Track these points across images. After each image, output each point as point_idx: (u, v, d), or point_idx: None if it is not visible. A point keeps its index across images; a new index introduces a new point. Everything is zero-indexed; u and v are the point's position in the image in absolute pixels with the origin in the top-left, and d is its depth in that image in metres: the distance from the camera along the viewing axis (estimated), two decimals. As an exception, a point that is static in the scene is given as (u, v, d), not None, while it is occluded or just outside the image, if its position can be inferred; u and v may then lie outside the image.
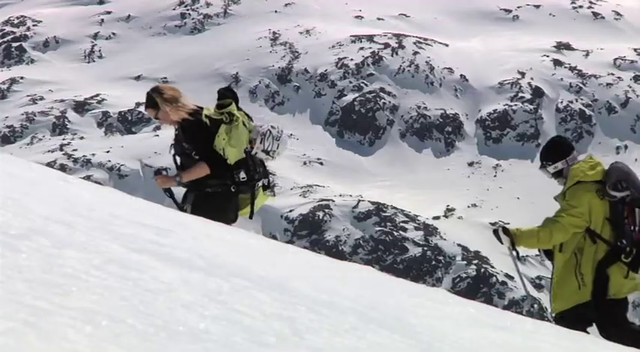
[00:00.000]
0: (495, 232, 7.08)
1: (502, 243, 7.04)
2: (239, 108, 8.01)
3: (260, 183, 8.00)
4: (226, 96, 7.92)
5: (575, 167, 7.01)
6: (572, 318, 6.86)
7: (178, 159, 7.97)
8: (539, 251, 7.41)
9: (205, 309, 2.72)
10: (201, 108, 7.90)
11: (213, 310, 2.74)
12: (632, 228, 6.86)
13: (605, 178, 6.90)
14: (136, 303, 2.55)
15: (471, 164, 59.08)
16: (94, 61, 69.57)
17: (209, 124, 7.72)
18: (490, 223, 49.27)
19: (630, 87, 59.27)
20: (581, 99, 58.63)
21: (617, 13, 66.60)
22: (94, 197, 4.85)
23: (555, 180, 7.26)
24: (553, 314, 7.12)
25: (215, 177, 7.75)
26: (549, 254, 7.25)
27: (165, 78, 59.59)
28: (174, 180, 7.83)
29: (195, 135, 7.78)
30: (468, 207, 54.25)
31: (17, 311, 2.15)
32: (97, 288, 2.59)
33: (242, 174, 7.80)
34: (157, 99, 7.85)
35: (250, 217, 8.07)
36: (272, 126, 8.07)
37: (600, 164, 7.06)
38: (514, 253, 7.15)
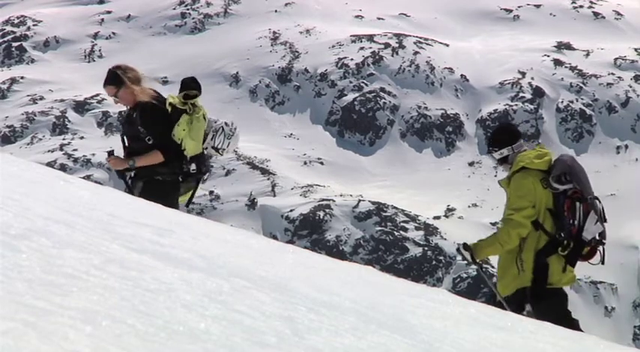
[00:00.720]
0: (458, 250, 7.14)
1: (467, 260, 7.07)
2: None
3: (205, 176, 8.12)
4: (191, 86, 7.89)
5: (522, 153, 7.04)
6: (514, 302, 6.96)
7: (127, 140, 7.94)
8: None
9: (205, 309, 2.72)
10: (158, 93, 7.89)
11: (213, 310, 2.74)
12: (570, 221, 6.87)
13: (550, 169, 6.93)
14: (136, 303, 2.55)
15: (471, 164, 59.01)
16: (94, 61, 69.51)
17: (170, 112, 7.71)
18: (490, 223, 49.24)
19: (631, 86, 59.23)
20: (582, 98, 58.59)
21: (618, 13, 66.59)
22: (94, 197, 4.85)
23: (500, 166, 7.32)
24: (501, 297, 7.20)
25: (166, 166, 7.75)
26: None
27: (165, 77, 59.59)
28: (127, 163, 7.77)
29: (155, 121, 7.72)
30: (469, 206, 54.19)
31: (17, 311, 2.15)
32: (97, 288, 2.59)
33: (193, 166, 7.84)
34: (122, 77, 7.75)
35: (187, 205, 8.14)
36: (225, 124, 8.09)
37: (549, 154, 7.06)
38: (478, 266, 7.19)
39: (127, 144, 7.91)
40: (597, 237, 7.00)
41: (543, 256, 6.85)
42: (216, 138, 7.94)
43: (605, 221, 7.04)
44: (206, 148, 7.96)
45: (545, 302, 6.86)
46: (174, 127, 7.67)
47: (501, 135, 7.31)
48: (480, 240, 7.09)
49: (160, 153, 7.65)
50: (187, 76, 8.33)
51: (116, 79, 7.76)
